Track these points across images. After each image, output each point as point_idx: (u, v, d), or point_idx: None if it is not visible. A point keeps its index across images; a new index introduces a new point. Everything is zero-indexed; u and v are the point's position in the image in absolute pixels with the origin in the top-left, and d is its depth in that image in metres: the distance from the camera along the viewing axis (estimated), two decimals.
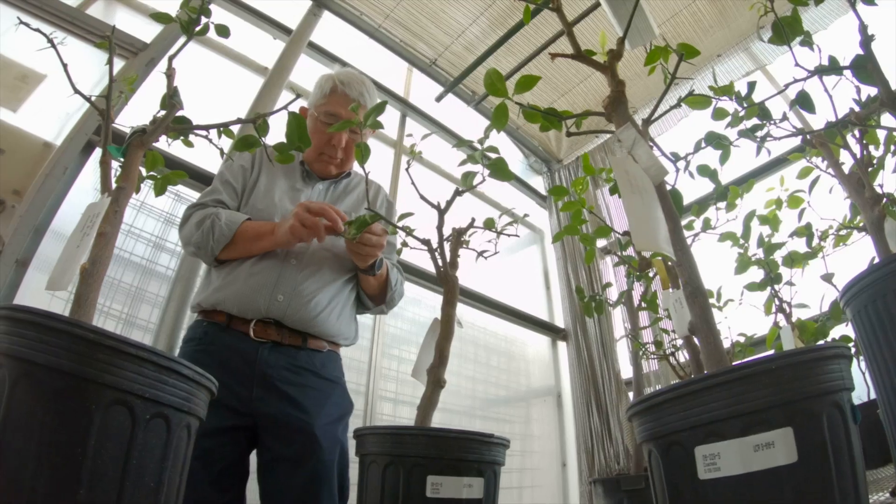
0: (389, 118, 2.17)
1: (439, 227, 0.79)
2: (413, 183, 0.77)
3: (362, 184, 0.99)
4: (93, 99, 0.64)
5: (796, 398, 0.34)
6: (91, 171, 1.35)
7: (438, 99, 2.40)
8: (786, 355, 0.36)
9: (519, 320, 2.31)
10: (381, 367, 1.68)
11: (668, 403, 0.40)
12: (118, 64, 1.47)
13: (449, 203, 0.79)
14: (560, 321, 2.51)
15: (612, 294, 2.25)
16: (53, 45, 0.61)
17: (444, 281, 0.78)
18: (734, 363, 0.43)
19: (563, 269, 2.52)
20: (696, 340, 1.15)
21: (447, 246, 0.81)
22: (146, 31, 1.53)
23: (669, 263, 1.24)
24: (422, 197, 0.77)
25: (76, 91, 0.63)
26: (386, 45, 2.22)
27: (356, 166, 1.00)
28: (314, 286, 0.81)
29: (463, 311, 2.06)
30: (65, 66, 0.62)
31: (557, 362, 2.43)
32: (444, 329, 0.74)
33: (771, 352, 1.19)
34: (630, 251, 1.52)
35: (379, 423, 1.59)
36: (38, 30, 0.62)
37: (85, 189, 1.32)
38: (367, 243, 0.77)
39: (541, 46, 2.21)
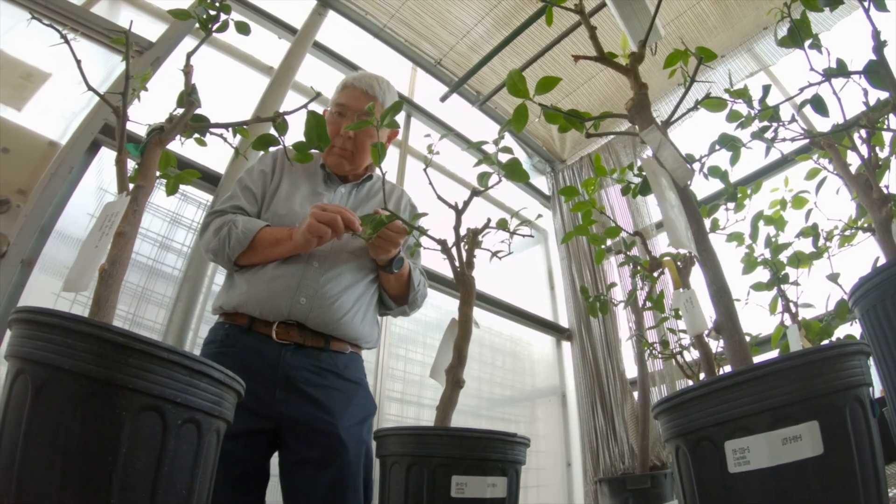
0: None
1: (456, 228, 0.78)
2: (430, 183, 0.76)
3: (391, 192, 1.00)
4: (106, 98, 0.63)
5: (821, 393, 0.36)
6: (93, 171, 1.34)
7: (443, 99, 2.39)
8: (811, 352, 0.38)
9: (524, 320, 2.30)
10: (387, 367, 1.67)
11: (697, 400, 0.40)
12: (123, 63, 1.45)
13: (466, 203, 0.78)
14: (564, 321, 2.51)
15: (617, 294, 2.25)
16: (67, 41, 0.60)
17: (462, 282, 0.77)
18: (760, 360, 0.44)
19: (568, 269, 2.52)
20: (706, 340, 1.15)
21: (462, 246, 0.80)
22: (150, 29, 1.52)
23: (679, 264, 1.24)
24: (439, 197, 0.77)
25: (90, 88, 0.62)
26: (391, 44, 2.21)
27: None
28: (337, 288, 0.81)
29: None
30: (78, 62, 0.61)
31: (562, 362, 2.43)
32: (462, 329, 0.73)
33: (776, 351, 1.19)
34: (634, 251, 1.52)
35: (386, 424, 1.58)
36: (51, 25, 0.60)
37: (88, 190, 1.31)
38: (383, 236, 0.78)
39: (546, 47, 2.21)
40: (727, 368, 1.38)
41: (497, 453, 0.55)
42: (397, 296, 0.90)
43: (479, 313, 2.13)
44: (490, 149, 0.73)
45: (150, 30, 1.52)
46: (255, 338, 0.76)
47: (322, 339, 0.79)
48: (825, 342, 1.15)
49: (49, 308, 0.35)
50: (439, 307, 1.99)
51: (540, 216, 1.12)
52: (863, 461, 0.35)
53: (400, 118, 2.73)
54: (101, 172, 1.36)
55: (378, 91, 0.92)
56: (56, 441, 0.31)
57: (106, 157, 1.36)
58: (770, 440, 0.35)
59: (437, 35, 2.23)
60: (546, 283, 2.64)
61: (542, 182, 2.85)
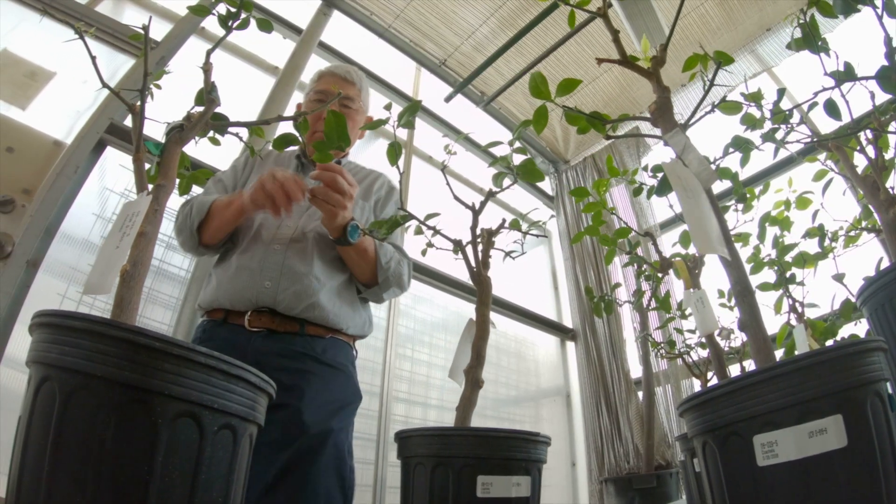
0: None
1: (473, 228, 0.77)
2: (448, 184, 0.76)
3: (367, 176, 0.97)
4: (121, 96, 0.62)
5: (844, 388, 0.37)
6: (96, 171, 1.32)
7: (448, 99, 2.39)
8: (834, 349, 0.39)
9: (528, 320, 2.30)
10: (394, 367, 1.66)
11: (726, 396, 0.41)
12: (128, 62, 1.44)
13: (483, 204, 0.78)
14: (568, 321, 2.51)
15: (621, 294, 2.26)
16: (82, 37, 0.58)
17: (478, 282, 0.77)
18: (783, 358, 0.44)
19: (572, 269, 2.52)
20: (717, 339, 1.15)
21: (473, 247, 0.80)
22: (155, 29, 1.50)
23: (689, 264, 1.24)
24: (456, 198, 0.76)
25: (104, 85, 0.61)
26: (395, 45, 2.20)
27: (354, 157, 0.97)
28: (301, 268, 0.77)
29: (472, 310, 2.04)
30: (93, 58, 0.60)
31: (566, 362, 2.43)
32: (480, 330, 0.73)
33: (781, 350, 1.20)
34: (638, 251, 1.52)
35: (393, 425, 1.57)
36: (66, 21, 0.59)
37: (90, 191, 1.29)
38: (317, 194, 0.70)
39: (550, 48, 2.20)
40: (737, 367, 1.39)
41: (521, 452, 0.55)
42: (363, 276, 0.83)
43: None
44: (500, 150, 0.72)
45: (154, 29, 1.50)
46: (230, 329, 0.75)
47: (297, 323, 0.76)
48: (829, 342, 1.16)
49: (78, 311, 0.34)
50: (445, 307, 1.98)
51: (553, 216, 1.11)
52: (883, 452, 0.36)
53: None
54: (105, 172, 1.35)
55: (355, 77, 0.95)
56: (88, 450, 0.30)
57: (109, 158, 1.34)
58: (797, 434, 0.36)
59: (441, 35, 2.22)
60: (550, 283, 2.64)
61: (544, 182, 2.85)
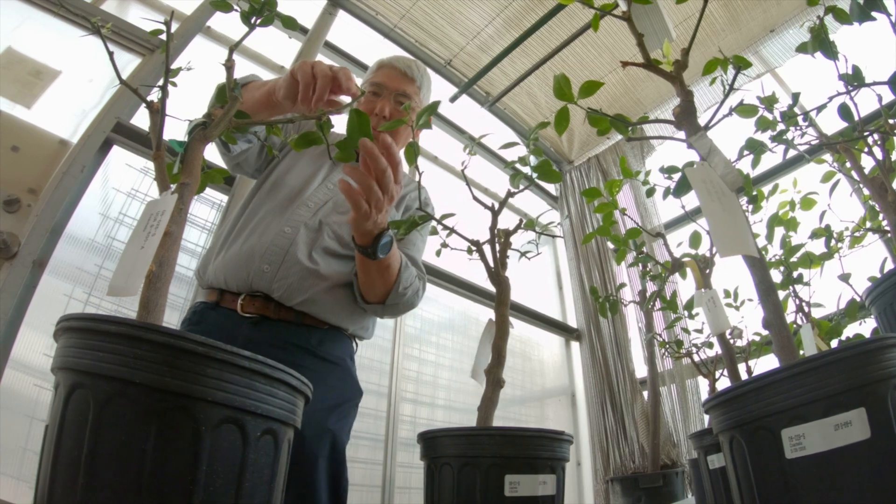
0: None
1: (492, 228, 0.77)
2: (468, 185, 0.75)
3: (407, 184, 0.92)
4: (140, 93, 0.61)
5: (866, 382, 0.39)
6: (101, 171, 1.30)
7: (453, 100, 2.38)
8: (857, 345, 0.41)
9: (533, 320, 2.30)
10: (401, 367, 1.65)
11: (753, 393, 0.43)
12: (133, 61, 1.42)
13: (502, 204, 0.77)
14: (573, 321, 2.51)
15: (626, 294, 2.26)
16: (99, 32, 0.57)
17: (497, 282, 0.76)
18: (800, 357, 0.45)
19: (576, 269, 2.52)
20: (729, 338, 1.15)
21: (491, 247, 0.79)
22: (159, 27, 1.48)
23: (700, 264, 1.24)
24: (475, 198, 0.76)
25: (122, 82, 0.60)
26: (401, 45, 2.19)
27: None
28: (305, 261, 0.71)
29: (478, 310, 2.04)
30: (110, 53, 0.59)
31: (571, 362, 2.43)
32: (500, 329, 0.72)
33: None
34: (644, 251, 1.52)
35: (401, 425, 1.56)
36: (82, 15, 0.58)
37: (93, 191, 1.27)
38: (355, 178, 0.54)
39: (555, 48, 2.20)
40: (742, 366, 1.39)
41: (547, 451, 0.56)
42: (372, 294, 0.72)
43: (487, 312, 2.13)
44: (513, 151, 0.72)
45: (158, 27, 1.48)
46: (221, 313, 0.69)
47: (292, 312, 0.70)
48: (834, 342, 1.17)
49: (113, 315, 0.33)
50: (451, 307, 1.98)
51: (567, 216, 1.11)
52: None
53: None
54: (108, 172, 1.33)
55: (416, 73, 0.86)
56: (128, 461, 0.29)
57: (114, 157, 1.33)
58: (823, 427, 0.38)
59: (447, 36, 2.22)
60: (554, 283, 2.64)
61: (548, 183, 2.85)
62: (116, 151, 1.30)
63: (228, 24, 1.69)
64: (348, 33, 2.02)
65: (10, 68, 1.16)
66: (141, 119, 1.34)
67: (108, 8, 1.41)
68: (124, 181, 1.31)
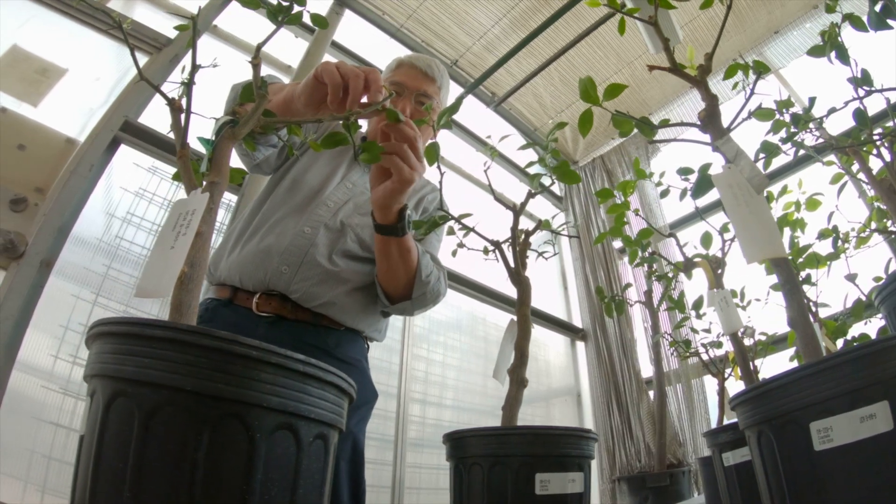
0: None
1: (513, 228, 0.76)
2: (490, 185, 0.75)
3: (423, 186, 0.91)
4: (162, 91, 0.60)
5: (889, 376, 0.40)
6: (108, 171, 1.28)
7: (459, 99, 2.38)
8: (880, 341, 0.43)
9: (539, 320, 2.30)
10: (410, 368, 1.65)
11: (781, 388, 0.45)
12: (140, 60, 1.40)
13: (523, 205, 0.77)
14: (578, 321, 2.51)
15: (631, 294, 2.26)
16: (121, 28, 0.56)
17: (518, 282, 0.76)
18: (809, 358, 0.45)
19: (581, 269, 2.52)
20: (741, 337, 1.16)
21: (512, 247, 0.79)
22: (167, 26, 1.47)
23: (712, 264, 1.24)
24: (496, 199, 0.75)
25: (143, 78, 0.59)
26: (407, 45, 2.18)
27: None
28: (325, 263, 0.70)
29: (485, 310, 2.04)
30: (131, 48, 0.57)
31: (576, 362, 2.43)
32: (522, 329, 0.72)
33: (792, 349, 1.22)
34: (650, 251, 1.53)
35: (410, 426, 1.55)
36: (104, 10, 0.57)
37: (97, 191, 1.26)
38: (396, 136, 0.55)
39: (561, 49, 2.20)
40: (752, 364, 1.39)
41: (575, 449, 0.56)
42: (397, 286, 0.72)
43: (493, 312, 2.13)
44: (516, 154, 0.72)
45: (166, 26, 1.47)
46: (234, 311, 0.68)
47: (309, 313, 0.69)
48: (840, 341, 1.18)
49: (158, 319, 0.32)
50: (458, 307, 1.97)
51: (573, 223, 1.11)
52: None
53: None
54: (112, 172, 1.31)
55: (437, 73, 0.84)
56: (178, 472, 0.28)
57: (122, 156, 1.31)
58: (850, 419, 0.40)
59: (453, 36, 2.21)
60: (559, 283, 2.64)
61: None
62: (124, 150, 1.28)
63: (233, 24, 1.68)
64: (355, 33, 2.01)
65: (16, 66, 1.14)
66: (149, 117, 1.32)
67: (113, 6, 1.40)
68: (132, 180, 1.29)
